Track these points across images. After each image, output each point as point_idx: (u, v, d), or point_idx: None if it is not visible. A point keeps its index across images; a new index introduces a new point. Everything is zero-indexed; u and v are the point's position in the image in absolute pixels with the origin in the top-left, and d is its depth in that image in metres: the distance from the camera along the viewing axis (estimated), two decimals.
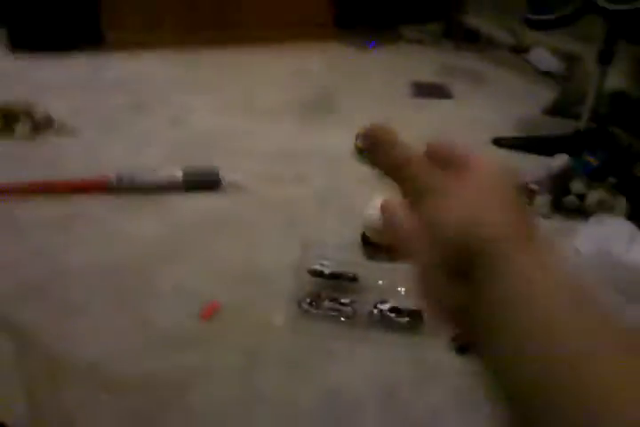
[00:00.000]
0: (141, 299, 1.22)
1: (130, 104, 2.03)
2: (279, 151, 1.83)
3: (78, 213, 1.46)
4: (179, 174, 1.57)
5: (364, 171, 1.76)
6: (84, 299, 1.20)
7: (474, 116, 2.20)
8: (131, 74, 2.26)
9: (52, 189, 1.51)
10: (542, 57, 2.55)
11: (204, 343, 1.12)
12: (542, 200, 1.61)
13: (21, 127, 1.75)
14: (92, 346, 1.10)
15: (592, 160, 1.70)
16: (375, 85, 2.40)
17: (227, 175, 1.61)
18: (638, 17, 1.69)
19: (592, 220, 1.50)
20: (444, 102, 2.31)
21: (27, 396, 0.98)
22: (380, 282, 1.29)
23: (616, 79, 2.03)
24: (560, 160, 1.59)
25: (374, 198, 1.40)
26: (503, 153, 1.96)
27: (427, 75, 2.52)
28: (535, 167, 1.76)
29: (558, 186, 1.60)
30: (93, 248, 1.35)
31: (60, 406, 0.97)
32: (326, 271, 1.26)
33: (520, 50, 2.63)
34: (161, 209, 1.51)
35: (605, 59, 1.90)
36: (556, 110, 2.22)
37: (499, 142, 2.01)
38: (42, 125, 1.79)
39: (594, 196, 1.56)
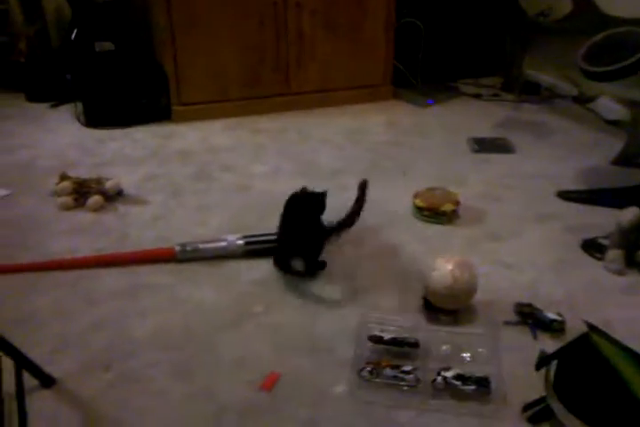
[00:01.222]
0: (203, 369, 1.22)
1: (195, 172, 2.12)
2: (339, 211, 1.84)
3: (144, 282, 1.51)
4: (240, 242, 1.61)
5: (423, 229, 1.75)
6: (146, 368, 1.22)
7: (538, 169, 2.16)
8: (196, 143, 2.37)
9: (119, 260, 1.58)
10: (607, 106, 2.49)
11: (265, 414, 1.10)
12: (614, 255, 1.53)
13: (92, 199, 1.85)
14: (155, 418, 1.11)
15: None
16: (434, 142, 2.40)
17: None
18: None
19: None
20: (507, 157, 2.28)
21: None
22: (444, 347, 1.25)
23: None
24: (630, 213, 1.51)
25: (436, 259, 1.37)
26: (569, 206, 1.89)
27: (487, 129, 2.52)
28: (604, 221, 1.69)
29: (630, 240, 1.52)
30: (157, 317, 1.38)
31: None
32: (386, 337, 1.23)
33: (583, 99, 2.58)
34: (223, 276, 1.54)
35: None
36: (624, 160, 2.15)
37: (564, 196, 1.95)
38: (112, 196, 1.89)
39: None
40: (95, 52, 2.61)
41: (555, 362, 1.10)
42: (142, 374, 1.20)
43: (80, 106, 2.57)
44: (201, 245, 1.59)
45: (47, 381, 1.15)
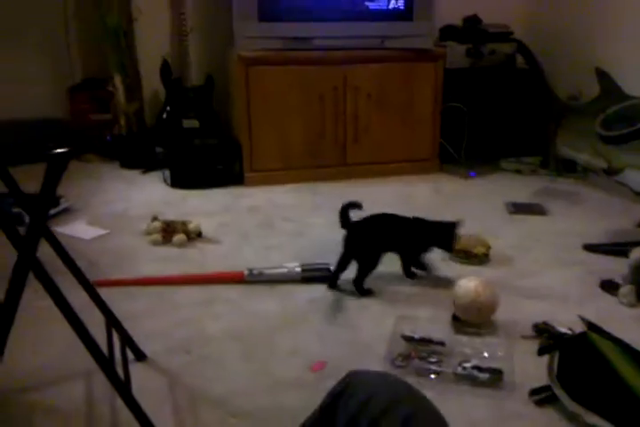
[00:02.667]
0: (264, 356, 1.49)
1: (262, 223, 2.46)
2: (385, 256, 2.12)
3: (218, 296, 1.81)
4: (298, 269, 1.90)
5: (457, 268, 2.00)
6: (218, 355, 1.49)
7: (567, 228, 2.39)
8: (263, 202, 2.74)
9: (199, 280, 1.89)
10: (633, 177, 2.73)
11: (308, 387, 1.34)
12: (626, 290, 1.72)
13: (178, 237, 2.20)
14: (223, 386, 1.36)
15: None
16: (475, 206, 2.68)
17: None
18: None
19: None
20: (540, 218, 2.53)
21: (173, 417, 1.24)
22: (467, 350, 1.46)
23: None
24: (639, 252, 1.73)
25: (462, 279, 1.62)
26: (593, 256, 2.10)
27: (524, 197, 2.79)
28: (625, 267, 1.90)
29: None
30: (227, 320, 1.67)
31: (199, 425, 1.22)
32: (416, 337, 1.46)
33: (613, 172, 2.83)
34: (282, 295, 1.82)
35: None
36: None
37: (590, 248, 2.16)
38: (193, 236, 2.24)
39: None
40: (182, 128, 3.10)
41: (557, 355, 1.30)
42: (215, 356, 1.48)
43: (167, 172, 3.01)
44: (266, 271, 1.89)
45: (141, 356, 1.44)
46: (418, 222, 1.90)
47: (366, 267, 1.83)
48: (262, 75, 2.91)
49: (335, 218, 2.51)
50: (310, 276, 1.89)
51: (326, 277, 1.89)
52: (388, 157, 3.16)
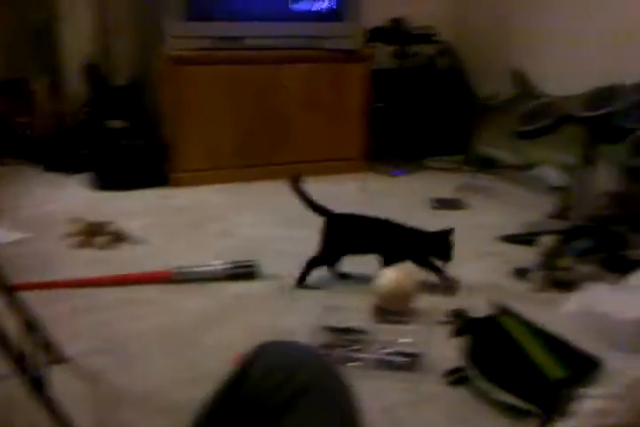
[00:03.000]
0: (189, 352, 1.49)
1: (189, 223, 2.45)
2: (312, 251, 2.16)
3: (143, 296, 1.80)
4: (225, 266, 1.91)
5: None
6: (142, 353, 1.49)
7: (484, 221, 2.50)
8: (191, 202, 2.73)
9: (124, 280, 1.87)
10: (546, 172, 2.89)
11: None
12: (535, 276, 1.83)
13: (102, 239, 2.16)
14: (147, 383, 1.36)
15: (581, 244, 1.93)
16: (400, 202, 2.76)
17: (263, 268, 1.94)
18: (607, 120, 2.03)
19: (580, 288, 1.71)
20: (460, 212, 2.63)
21: (93, 416, 1.23)
22: (387, 337, 1.52)
23: (611, 180, 2.33)
24: (548, 240, 1.84)
25: (384, 269, 1.68)
26: (509, 247, 2.21)
27: (446, 193, 2.89)
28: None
29: (549, 262, 1.83)
30: (152, 319, 1.66)
31: (121, 423, 1.22)
32: (339, 326, 1.50)
33: (527, 168, 2.99)
34: (209, 292, 1.83)
35: (589, 160, 2.22)
36: (558, 215, 2.49)
37: (506, 239, 2.27)
38: (117, 238, 2.21)
39: (581, 269, 1.78)
40: (108, 129, 3.04)
41: (469, 337, 1.37)
42: (139, 355, 1.48)
43: (92, 174, 2.95)
44: (192, 269, 1.90)
45: (61, 358, 1.42)
46: (410, 231, 1.91)
47: (323, 260, 1.86)
48: (191, 74, 2.90)
49: (263, 217, 2.55)
50: (237, 273, 1.91)
51: (252, 273, 1.90)
52: (316, 157, 3.20)
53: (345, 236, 1.87)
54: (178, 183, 2.95)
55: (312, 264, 1.87)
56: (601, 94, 2.10)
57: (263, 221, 2.49)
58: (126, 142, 2.98)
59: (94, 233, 2.19)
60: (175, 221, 2.46)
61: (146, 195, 2.80)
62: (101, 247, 2.15)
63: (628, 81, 2.15)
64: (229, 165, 3.06)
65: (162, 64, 2.88)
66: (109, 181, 2.89)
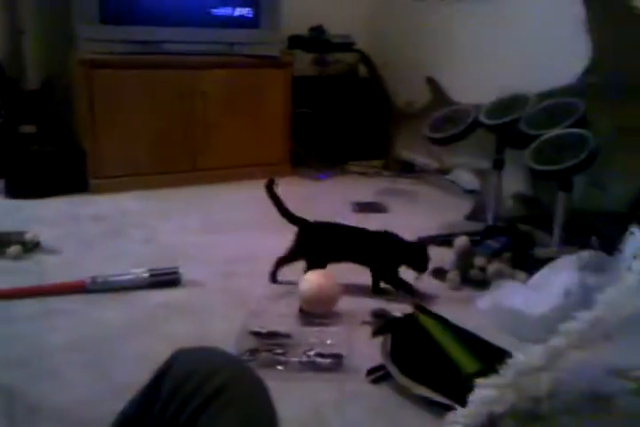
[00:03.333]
0: (108, 364, 1.45)
1: (108, 231, 2.39)
2: (236, 255, 2.16)
3: (57, 308, 1.73)
4: (145, 274, 1.87)
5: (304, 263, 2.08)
6: (59, 363, 1.43)
7: (405, 223, 2.56)
8: (110, 209, 2.65)
9: (36, 292, 1.79)
10: (461, 176, 3.02)
11: None
12: (451, 275, 1.91)
13: (12, 248, 2.07)
14: (64, 397, 1.31)
15: (493, 243, 2.03)
16: (322, 206, 2.80)
17: (186, 274, 1.92)
18: (511, 127, 2.15)
19: (493, 286, 1.80)
20: (381, 215, 2.70)
21: None
22: (312, 340, 1.54)
23: (519, 183, 2.46)
24: (461, 241, 1.92)
25: (306, 274, 1.70)
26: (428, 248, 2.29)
27: (367, 196, 2.96)
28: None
29: (463, 262, 1.92)
30: (68, 332, 1.60)
31: None
32: (263, 331, 1.51)
33: (444, 172, 3.11)
34: (129, 302, 1.79)
35: (498, 165, 2.34)
36: (473, 216, 2.61)
37: (423, 240, 2.35)
38: (30, 247, 2.12)
39: (493, 267, 1.87)
40: (17, 134, 2.91)
41: (389, 335, 1.41)
42: (55, 368, 1.42)
43: (3, 181, 2.80)
44: (110, 278, 1.84)
45: None
46: (386, 239, 1.91)
47: (287, 261, 1.91)
48: (106, 79, 2.83)
49: (185, 223, 2.52)
50: (158, 280, 1.87)
51: (174, 280, 1.88)
52: (239, 162, 3.19)
53: (317, 244, 1.89)
54: (96, 190, 2.86)
55: (279, 263, 1.91)
56: (507, 103, 2.23)
57: (185, 228, 2.45)
58: (38, 148, 2.86)
59: (6, 243, 2.09)
60: (93, 230, 2.39)
61: (62, 202, 2.69)
62: (14, 258, 2.06)
63: (533, 90, 2.28)
64: (150, 171, 3.00)
65: (76, 68, 2.79)
66: (21, 188, 2.77)
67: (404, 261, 1.85)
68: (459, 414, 0.49)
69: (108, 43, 2.83)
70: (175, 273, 1.89)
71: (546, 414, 0.42)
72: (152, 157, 2.99)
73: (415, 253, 1.86)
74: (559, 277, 1.57)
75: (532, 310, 1.55)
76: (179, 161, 3.06)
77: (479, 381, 0.52)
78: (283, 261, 1.92)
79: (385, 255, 1.87)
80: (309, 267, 1.83)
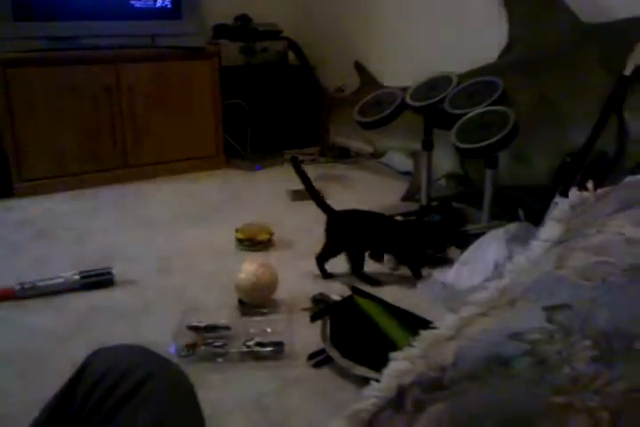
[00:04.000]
0: (40, 373, 1.40)
1: (36, 234, 2.30)
2: (172, 252, 2.12)
3: None
4: (76, 277, 1.81)
5: (244, 255, 2.07)
6: None
7: (342, 208, 2.58)
8: (37, 212, 2.56)
9: None
10: (395, 159, 3.06)
11: None
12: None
13: None
14: None
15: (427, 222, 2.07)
16: (259, 196, 2.79)
17: (120, 274, 1.87)
18: (436, 108, 2.19)
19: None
20: None
21: None
22: (252, 330, 1.53)
23: (450, 162, 2.50)
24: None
25: (242, 263, 1.68)
26: None
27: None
28: None
29: None
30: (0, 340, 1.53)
31: None
32: (202, 325, 1.49)
33: (378, 156, 3.14)
34: (60, 306, 1.73)
35: (427, 146, 2.38)
36: (409, 197, 2.65)
37: None
38: None
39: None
40: None
41: (328, 319, 1.42)
42: None
43: None
44: (39, 283, 1.77)
45: None
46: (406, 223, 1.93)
47: (355, 260, 1.85)
48: (25, 77, 2.71)
49: (117, 222, 2.45)
50: (90, 282, 1.81)
51: (107, 281, 1.83)
52: (172, 157, 3.13)
53: (346, 232, 1.88)
54: (23, 194, 2.75)
55: (320, 260, 1.87)
56: (431, 84, 2.26)
57: (118, 227, 2.39)
58: None
59: None
60: (19, 234, 2.29)
61: None
62: None
63: (456, 71, 2.33)
64: (79, 170, 2.90)
65: None
66: None
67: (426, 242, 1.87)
68: (373, 389, 0.49)
69: (23, 40, 2.71)
70: (108, 274, 1.84)
71: (450, 382, 0.43)
72: (80, 156, 2.89)
73: (436, 233, 1.88)
74: (488, 250, 1.62)
75: (464, 283, 1.59)
76: (108, 158, 2.97)
77: (392, 354, 0.52)
78: (321, 259, 1.88)
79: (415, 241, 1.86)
80: (351, 259, 1.83)
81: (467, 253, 1.70)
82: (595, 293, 0.46)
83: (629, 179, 0.70)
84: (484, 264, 1.58)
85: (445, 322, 0.56)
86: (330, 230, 1.87)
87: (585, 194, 0.72)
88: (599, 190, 0.71)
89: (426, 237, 1.86)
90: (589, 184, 0.74)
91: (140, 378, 0.66)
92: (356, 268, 1.85)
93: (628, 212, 0.58)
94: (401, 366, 0.48)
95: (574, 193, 0.72)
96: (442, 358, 0.47)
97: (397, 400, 0.44)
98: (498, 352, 0.42)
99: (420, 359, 0.48)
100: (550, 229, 0.67)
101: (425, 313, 1.50)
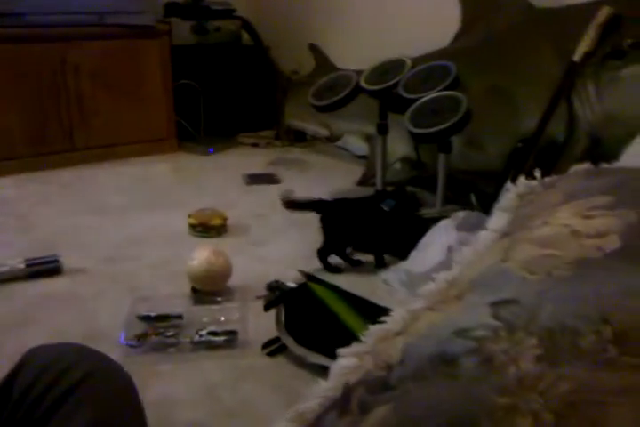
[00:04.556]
0: None
1: None
2: (122, 238, 2.07)
3: None
4: (21, 265, 1.75)
5: (196, 241, 2.03)
6: None
7: (298, 193, 2.52)
8: None
9: None
10: (350, 142, 3.05)
11: None
12: None
13: None
14: None
15: (382, 207, 2.07)
16: (213, 180, 2.74)
17: (68, 262, 1.81)
18: (390, 92, 2.18)
19: None
20: (274, 186, 2.67)
21: None
22: (205, 319, 1.50)
23: (404, 146, 2.51)
24: None
25: (195, 250, 1.65)
26: None
27: (260, 168, 2.92)
28: None
29: None
30: None
31: None
32: (153, 315, 1.46)
33: (334, 139, 3.12)
34: (6, 295, 1.66)
35: (382, 130, 2.37)
36: (364, 181, 2.65)
37: None
38: None
39: None
40: None
41: (282, 307, 1.41)
42: None
43: None
44: None
45: None
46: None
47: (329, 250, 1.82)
48: None
49: (65, 207, 2.36)
50: (36, 271, 1.75)
51: (55, 269, 1.77)
52: (121, 140, 3.04)
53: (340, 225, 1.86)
54: None
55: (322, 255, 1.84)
56: (385, 68, 2.24)
57: (66, 213, 2.31)
58: None
59: None
60: None
61: None
62: None
63: (409, 54, 2.32)
64: (22, 153, 2.79)
65: None
66: None
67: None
68: (321, 388, 0.48)
69: None
70: (55, 261, 1.78)
71: (396, 381, 0.42)
72: (25, 139, 2.78)
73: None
74: (441, 236, 1.63)
75: (418, 268, 1.60)
76: (55, 141, 2.86)
77: (340, 351, 0.51)
78: (322, 254, 1.84)
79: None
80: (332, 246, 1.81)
81: (422, 240, 1.71)
82: (540, 287, 0.46)
83: (575, 168, 0.70)
84: (437, 248, 1.59)
85: (394, 316, 0.55)
86: (325, 225, 1.85)
87: (533, 183, 0.72)
88: (547, 179, 0.71)
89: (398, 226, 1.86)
90: (537, 173, 0.74)
91: (80, 376, 0.64)
92: (328, 252, 1.84)
93: (573, 203, 0.58)
94: (349, 362, 0.47)
95: (522, 182, 0.72)
96: (388, 355, 0.46)
97: (342, 401, 0.43)
98: (443, 350, 0.41)
99: (368, 356, 0.47)
100: (497, 219, 0.67)
101: (381, 300, 1.51)
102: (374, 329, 0.51)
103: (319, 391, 0.48)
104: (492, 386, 0.36)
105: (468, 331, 0.42)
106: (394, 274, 1.73)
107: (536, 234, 0.53)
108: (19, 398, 0.63)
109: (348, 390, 0.44)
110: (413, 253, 1.74)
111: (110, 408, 0.64)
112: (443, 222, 1.70)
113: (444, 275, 0.58)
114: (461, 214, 1.70)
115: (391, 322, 0.52)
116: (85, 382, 0.63)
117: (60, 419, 0.60)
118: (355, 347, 0.50)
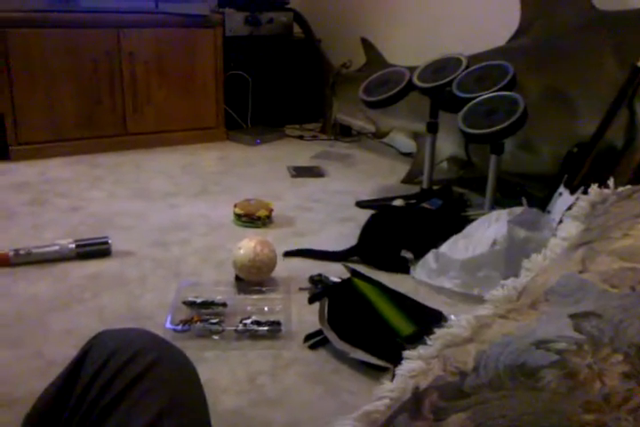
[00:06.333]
0: (35, 340, 1.39)
1: (31, 200, 2.27)
2: (169, 224, 2.10)
3: None
4: (72, 245, 1.79)
5: (242, 231, 2.05)
6: None
7: (342, 188, 2.56)
8: (33, 177, 2.52)
9: None
10: (398, 139, 3.02)
11: None
12: None
13: None
14: None
15: (428, 206, 2.06)
16: (259, 171, 2.75)
17: (116, 244, 1.85)
18: (444, 90, 2.15)
19: None
20: (319, 180, 2.68)
21: None
22: (249, 308, 1.52)
23: (454, 146, 2.47)
24: (397, 202, 1.93)
25: (241, 240, 1.67)
26: (365, 212, 2.29)
27: (305, 161, 2.92)
28: None
29: None
30: None
31: None
32: (198, 301, 1.48)
33: (380, 136, 3.10)
34: (55, 275, 1.71)
35: (432, 129, 2.35)
36: (409, 179, 2.63)
37: (361, 204, 2.35)
38: None
39: None
40: None
41: (326, 301, 1.41)
42: None
43: None
44: (34, 250, 1.75)
45: None
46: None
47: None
48: (21, 38, 2.64)
49: (113, 190, 2.41)
50: (87, 251, 1.80)
51: (104, 251, 1.81)
52: (171, 126, 3.08)
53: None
54: (18, 157, 2.71)
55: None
56: (440, 65, 2.21)
57: (114, 195, 2.36)
58: None
59: None
60: (14, 199, 2.26)
61: None
62: None
63: (466, 52, 2.28)
64: (76, 135, 2.86)
65: None
66: None
67: None
68: (385, 389, 0.48)
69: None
70: (104, 243, 1.82)
71: (470, 389, 0.42)
72: (78, 121, 2.84)
73: None
74: (490, 227, 1.61)
75: (456, 254, 1.58)
76: (107, 125, 2.92)
77: (406, 353, 0.50)
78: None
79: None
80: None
81: (468, 228, 1.69)
82: (622, 301, 0.45)
83: None
84: (481, 239, 1.57)
85: (459, 321, 0.54)
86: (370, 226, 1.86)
87: (606, 192, 0.70)
88: (621, 189, 0.69)
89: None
90: (610, 182, 0.72)
91: (150, 361, 0.65)
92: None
93: None
94: (415, 365, 0.47)
95: (595, 190, 0.70)
96: (460, 361, 0.45)
97: (413, 404, 0.43)
98: (524, 361, 0.41)
99: (436, 360, 0.47)
100: (569, 228, 0.66)
101: (421, 298, 1.50)
102: (441, 333, 0.51)
103: (383, 392, 0.47)
104: (578, 401, 0.36)
105: (548, 342, 0.41)
106: (422, 267, 1.71)
107: (617, 246, 0.52)
108: (89, 381, 0.65)
109: (419, 394, 0.43)
110: (455, 237, 1.71)
111: (182, 394, 0.65)
112: (495, 213, 1.67)
113: (512, 282, 0.57)
114: (519, 210, 1.66)
115: (457, 327, 0.51)
116: (156, 367, 0.65)
117: (131, 403, 0.62)
118: (421, 350, 0.49)
